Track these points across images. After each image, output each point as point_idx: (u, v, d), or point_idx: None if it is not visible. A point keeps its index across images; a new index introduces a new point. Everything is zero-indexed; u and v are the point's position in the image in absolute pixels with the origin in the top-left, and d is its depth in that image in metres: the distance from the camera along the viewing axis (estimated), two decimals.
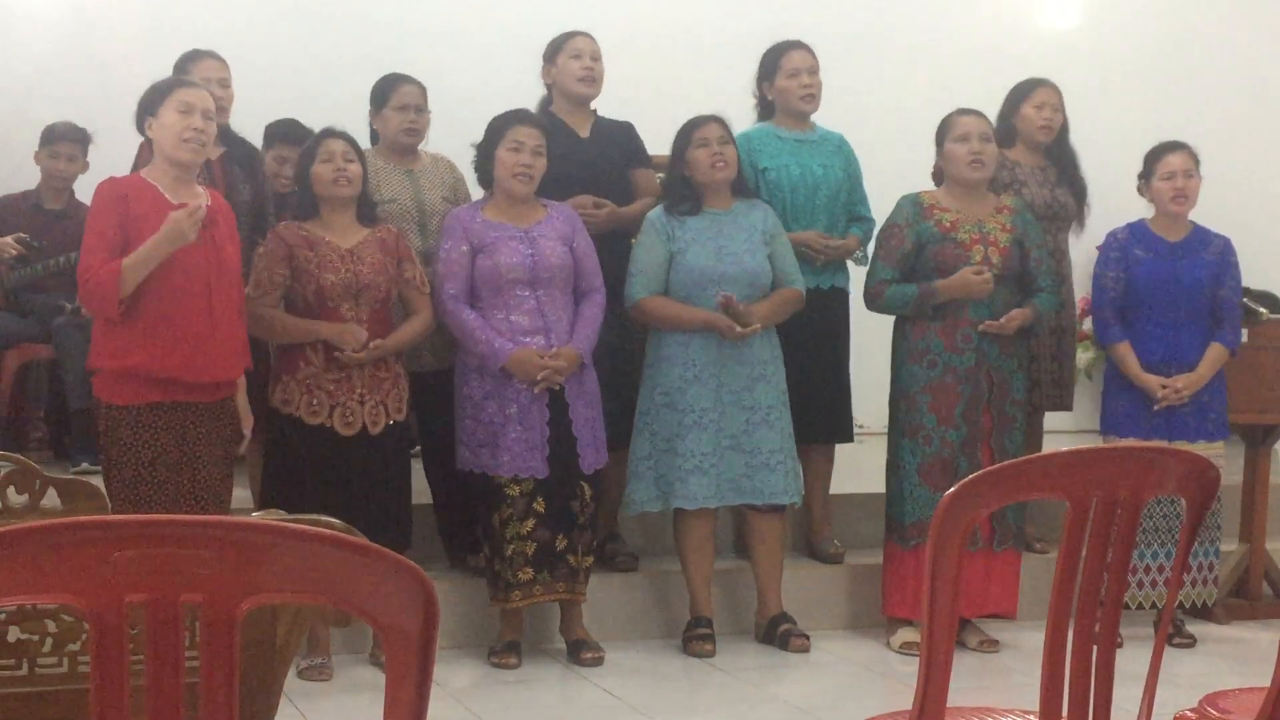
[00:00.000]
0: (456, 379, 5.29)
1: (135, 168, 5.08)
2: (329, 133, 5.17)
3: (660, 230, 5.42)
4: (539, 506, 5.17)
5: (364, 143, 5.43)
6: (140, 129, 4.72)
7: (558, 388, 5.18)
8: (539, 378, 5.12)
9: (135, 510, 4.50)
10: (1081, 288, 6.45)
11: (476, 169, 5.39)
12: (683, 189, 5.46)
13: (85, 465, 6.16)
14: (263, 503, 5.14)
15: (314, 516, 2.33)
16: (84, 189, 6.52)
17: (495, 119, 5.34)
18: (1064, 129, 6.12)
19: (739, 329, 5.31)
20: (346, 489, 4.98)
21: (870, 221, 5.92)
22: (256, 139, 5.87)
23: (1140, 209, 5.81)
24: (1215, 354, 5.62)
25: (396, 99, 5.56)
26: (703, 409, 5.36)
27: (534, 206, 5.32)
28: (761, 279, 5.44)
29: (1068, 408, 6.28)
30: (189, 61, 5.42)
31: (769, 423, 5.42)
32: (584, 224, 5.42)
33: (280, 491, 5.00)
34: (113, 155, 6.04)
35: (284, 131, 6.06)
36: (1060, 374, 6.16)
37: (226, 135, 5.48)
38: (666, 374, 5.40)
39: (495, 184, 5.29)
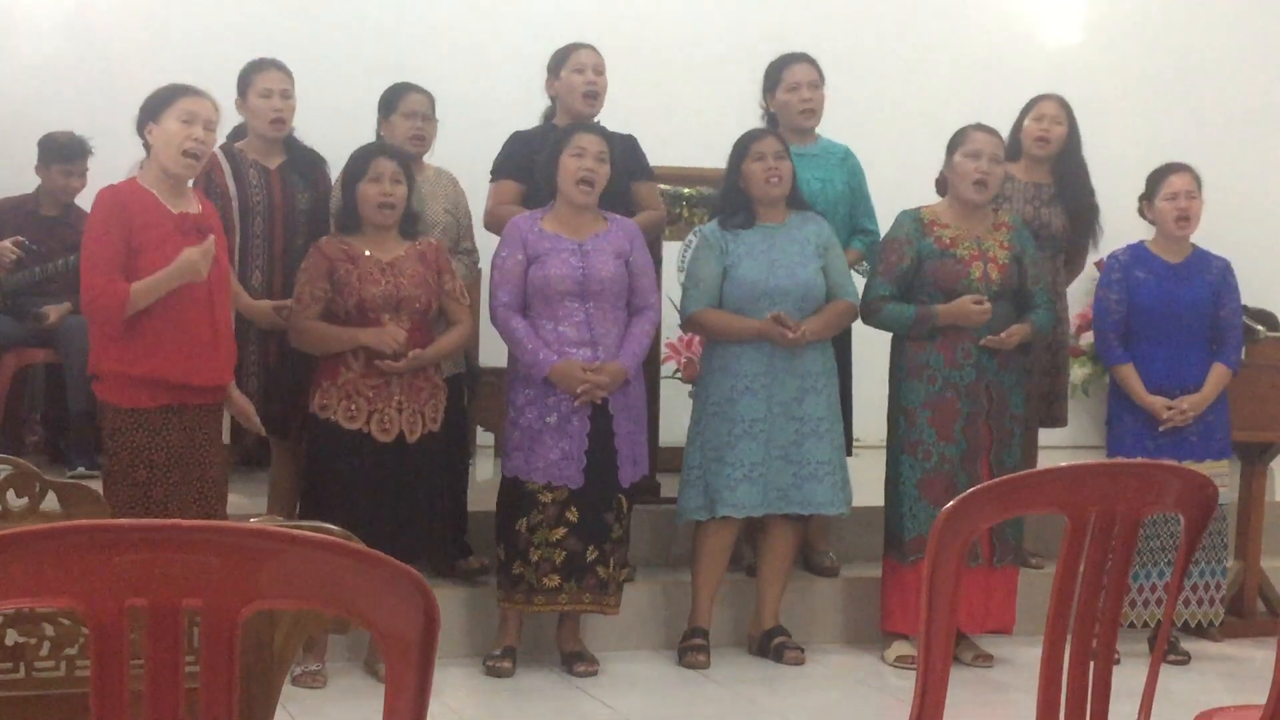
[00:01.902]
0: (505, 385, 5.34)
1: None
2: (381, 150, 5.23)
3: (714, 244, 5.46)
4: (571, 516, 5.18)
5: None
6: (140, 133, 4.70)
7: (600, 402, 5.19)
8: (579, 391, 5.13)
9: (148, 513, 4.54)
10: (1078, 304, 6.46)
11: (541, 177, 5.37)
12: (737, 201, 5.48)
13: (82, 469, 6.16)
14: (303, 507, 5.18)
15: (315, 524, 2.33)
16: (80, 195, 6.53)
17: (561, 129, 5.39)
18: (1072, 143, 6.11)
19: (790, 335, 5.32)
20: (381, 495, 5.01)
21: (874, 234, 5.92)
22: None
23: (1140, 224, 5.82)
24: (1218, 375, 5.63)
25: (404, 106, 5.59)
26: (753, 419, 5.38)
27: (595, 219, 5.33)
28: (814, 291, 5.46)
29: (1062, 423, 6.28)
30: (254, 71, 5.42)
31: (819, 434, 5.44)
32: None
33: (317, 497, 5.05)
34: (113, 161, 6.05)
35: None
36: (1053, 389, 6.16)
37: (289, 143, 5.50)
38: (719, 385, 5.43)
39: (559, 192, 5.30)
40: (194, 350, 4.63)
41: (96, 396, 4.74)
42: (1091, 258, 6.24)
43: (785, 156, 5.48)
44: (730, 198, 5.52)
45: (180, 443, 4.65)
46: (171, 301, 4.58)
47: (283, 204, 5.39)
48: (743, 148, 5.49)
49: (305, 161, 5.52)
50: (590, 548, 5.19)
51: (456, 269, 5.48)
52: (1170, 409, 5.56)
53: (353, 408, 5.04)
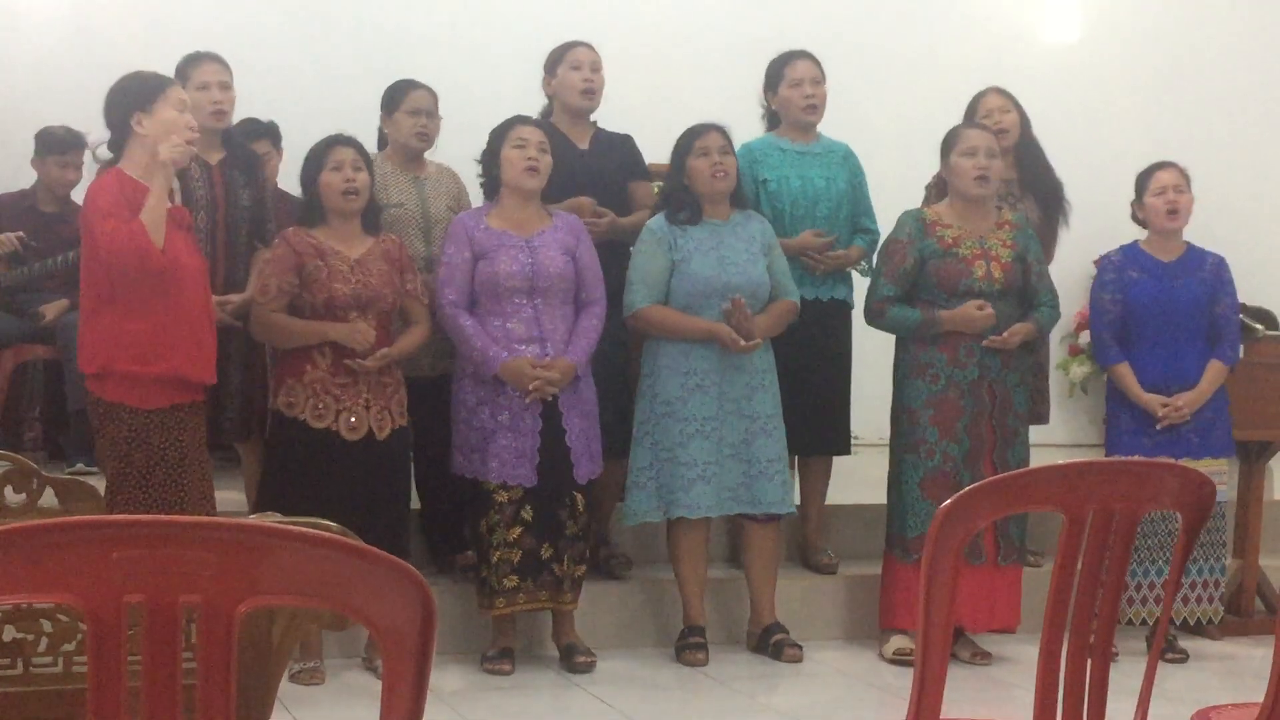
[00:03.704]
0: (454, 384, 5.30)
1: None
2: (338, 140, 5.18)
3: (661, 239, 5.42)
4: (527, 515, 5.17)
5: (370, 147, 5.44)
6: (124, 123, 4.60)
7: (550, 399, 5.18)
8: (530, 388, 5.13)
9: (166, 513, 4.46)
10: (1078, 301, 6.45)
11: (482, 178, 5.39)
12: (682, 197, 5.46)
13: (81, 465, 6.15)
14: (259, 505, 5.14)
15: (312, 520, 2.33)
16: (77, 190, 6.52)
17: (496, 126, 5.35)
18: (1025, 128, 6.10)
19: (742, 342, 5.31)
20: (349, 494, 4.96)
21: (875, 233, 5.91)
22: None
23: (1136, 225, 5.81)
24: (1215, 371, 5.63)
25: (408, 103, 5.58)
26: (704, 418, 5.36)
27: (540, 214, 5.32)
28: (762, 290, 5.45)
29: (1044, 420, 6.28)
30: (191, 64, 5.37)
31: (767, 432, 5.43)
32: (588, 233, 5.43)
33: (279, 494, 4.99)
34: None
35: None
36: (1036, 387, 6.14)
37: (228, 139, 5.47)
38: (667, 383, 5.39)
39: (503, 186, 5.29)
40: (200, 346, 4.63)
41: (99, 397, 4.60)
42: (1064, 237, 6.20)
43: (730, 152, 5.47)
44: (675, 194, 5.49)
45: (191, 442, 4.64)
46: (175, 299, 4.55)
47: (225, 199, 5.33)
48: (687, 143, 5.46)
49: (244, 159, 5.47)
50: (545, 545, 5.18)
51: None
52: (1166, 406, 5.57)
53: (320, 406, 5.01)
